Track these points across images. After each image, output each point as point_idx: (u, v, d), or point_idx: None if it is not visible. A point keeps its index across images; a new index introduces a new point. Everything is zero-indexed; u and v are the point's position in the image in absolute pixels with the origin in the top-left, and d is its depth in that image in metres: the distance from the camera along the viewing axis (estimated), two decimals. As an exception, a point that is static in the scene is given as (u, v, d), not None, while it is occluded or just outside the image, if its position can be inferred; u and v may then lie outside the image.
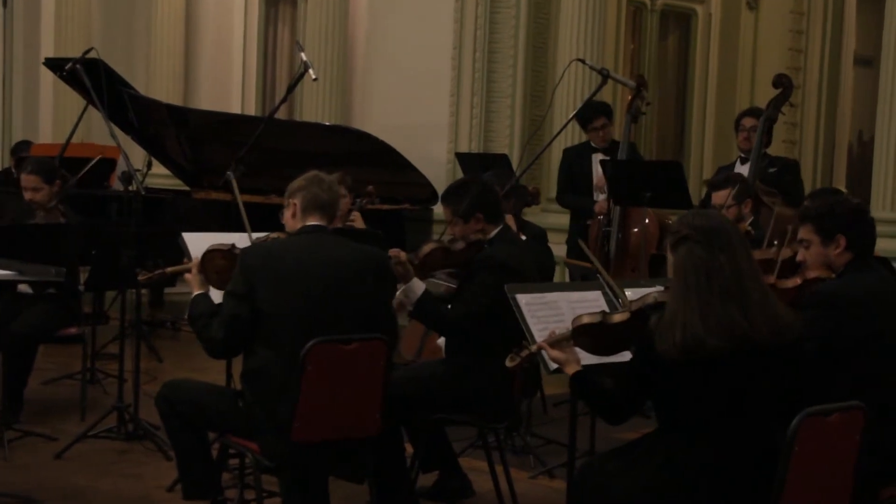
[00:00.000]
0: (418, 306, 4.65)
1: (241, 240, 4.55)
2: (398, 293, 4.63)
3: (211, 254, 4.39)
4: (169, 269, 4.59)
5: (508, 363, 3.66)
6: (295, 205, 4.21)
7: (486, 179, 5.11)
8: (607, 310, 3.62)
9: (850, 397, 3.35)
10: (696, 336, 3.24)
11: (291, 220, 4.23)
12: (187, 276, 4.39)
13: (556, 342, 3.64)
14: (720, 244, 3.33)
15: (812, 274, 3.96)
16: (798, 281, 4.08)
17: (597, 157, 7.45)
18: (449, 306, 4.79)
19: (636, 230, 7.05)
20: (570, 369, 3.60)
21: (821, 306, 3.73)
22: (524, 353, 3.66)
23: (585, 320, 3.57)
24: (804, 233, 3.92)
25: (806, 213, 3.94)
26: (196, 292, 4.29)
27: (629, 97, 8.73)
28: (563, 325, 3.98)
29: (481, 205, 4.79)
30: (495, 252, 4.74)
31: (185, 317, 4.38)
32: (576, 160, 7.61)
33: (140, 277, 4.70)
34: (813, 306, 3.74)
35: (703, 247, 3.32)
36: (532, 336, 3.97)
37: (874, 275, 3.87)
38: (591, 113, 7.47)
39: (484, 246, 4.76)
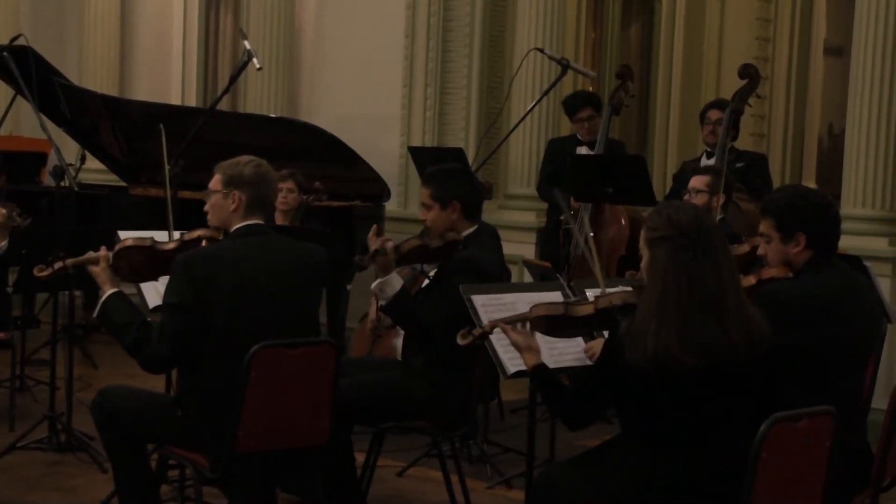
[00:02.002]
0: (394, 301, 4.65)
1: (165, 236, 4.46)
2: (373, 285, 4.64)
3: (127, 250, 4.23)
4: (70, 262, 4.28)
5: (460, 340, 3.71)
6: (240, 199, 4.10)
7: (475, 174, 5.11)
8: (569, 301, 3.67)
9: (807, 403, 3.38)
10: (670, 352, 3.24)
11: (232, 214, 4.12)
12: (93, 269, 4.19)
13: (513, 321, 3.66)
14: (703, 248, 3.30)
15: (769, 273, 3.96)
16: (753, 280, 4.10)
17: (582, 151, 7.49)
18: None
19: (612, 229, 7.09)
20: (530, 359, 3.60)
21: (767, 307, 3.70)
22: (477, 331, 3.70)
23: (543, 311, 3.60)
24: (764, 227, 3.90)
25: (767, 207, 3.91)
26: (108, 292, 4.11)
27: (591, 88, 8.77)
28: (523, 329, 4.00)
29: (463, 196, 4.81)
30: (477, 256, 4.73)
31: (95, 316, 4.15)
32: (560, 152, 7.63)
33: (37, 273, 4.33)
34: (760, 306, 3.74)
35: (686, 250, 3.29)
36: (488, 342, 3.98)
37: (833, 276, 3.87)
38: (578, 103, 7.56)
39: (459, 247, 4.76)
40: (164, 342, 3.93)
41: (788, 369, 3.62)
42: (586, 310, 3.56)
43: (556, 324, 3.63)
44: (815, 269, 3.84)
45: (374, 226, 4.88)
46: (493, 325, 3.72)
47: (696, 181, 5.91)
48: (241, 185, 4.11)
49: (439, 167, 4.99)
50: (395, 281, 4.65)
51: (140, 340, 3.97)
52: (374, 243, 4.62)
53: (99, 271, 4.18)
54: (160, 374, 4.22)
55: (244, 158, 4.18)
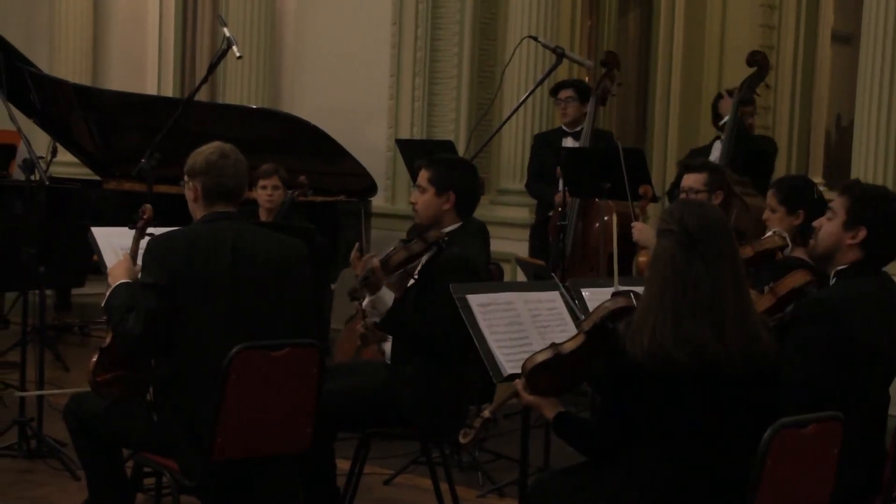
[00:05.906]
0: (389, 317, 4.57)
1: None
2: (364, 304, 4.58)
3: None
4: None
5: (462, 440, 3.67)
6: (196, 189, 4.14)
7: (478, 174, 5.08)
8: (556, 340, 3.59)
9: (838, 409, 3.38)
10: (665, 346, 3.25)
11: (193, 203, 4.18)
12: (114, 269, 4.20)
13: (507, 399, 3.67)
14: (703, 253, 3.30)
15: (762, 246, 3.94)
16: (750, 252, 4.08)
17: (568, 143, 7.50)
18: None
19: (597, 225, 7.09)
20: (550, 411, 3.58)
21: (814, 321, 3.68)
22: (477, 422, 3.65)
23: (539, 359, 3.54)
24: (838, 204, 3.88)
25: (851, 186, 3.91)
26: (121, 280, 4.13)
27: (586, 77, 8.77)
28: (520, 329, 4.00)
29: (461, 189, 4.77)
30: (465, 254, 4.66)
31: (104, 305, 4.20)
32: (546, 146, 7.65)
33: None
34: (806, 321, 3.71)
35: (685, 251, 3.31)
36: (483, 339, 3.97)
37: (873, 284, 3.85)
38: (561, 84, 7.60)
39: (442, 245, 4.65)
40: (139, 322, 3.93)
41: (833, 376, 3.63)
42: (575, 342, 3.52)
43: (552, 374, 3.57)
44: (858, 274, 3.83)
45: (355, 247, 4.78)
46: (494, 410, 3.73)
47: (692, 180, 5.59)
48: (195, 176, 4.15)
49: (446, 155, 4.95)
50: (387, 296, 4.56)
51: (121, 320, 3.98)
52: (359, 266, 4.51)
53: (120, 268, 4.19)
54: (134, 355, 4.16)
55: (208, 146, 4.19)
